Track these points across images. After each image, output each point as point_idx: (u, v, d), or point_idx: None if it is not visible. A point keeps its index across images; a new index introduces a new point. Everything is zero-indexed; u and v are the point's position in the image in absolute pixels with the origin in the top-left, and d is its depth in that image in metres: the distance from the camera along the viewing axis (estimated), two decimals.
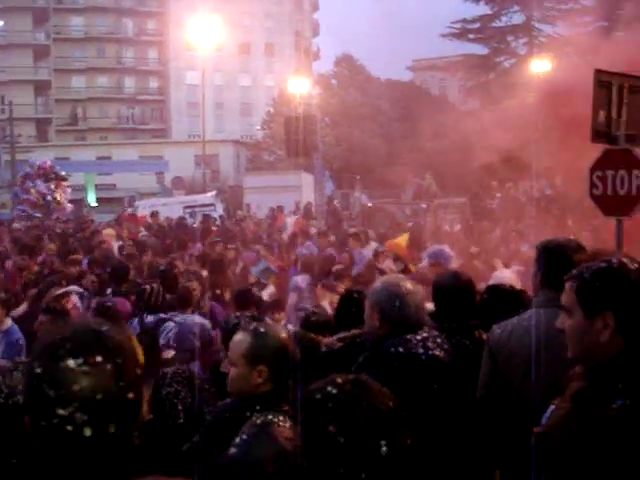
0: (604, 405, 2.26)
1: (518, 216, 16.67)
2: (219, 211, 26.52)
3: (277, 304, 8.68)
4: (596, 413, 2.27)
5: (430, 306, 4.75)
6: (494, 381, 3.85)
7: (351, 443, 2.02)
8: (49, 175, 27.39)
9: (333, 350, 4.48)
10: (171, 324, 7.61)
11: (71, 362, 1.63)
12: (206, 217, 21.04)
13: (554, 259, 3.73)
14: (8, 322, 7.60)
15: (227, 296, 9.11)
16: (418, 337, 3.63)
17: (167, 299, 8.26)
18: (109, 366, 1.65)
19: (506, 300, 4.68)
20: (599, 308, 2.40)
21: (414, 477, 2.14)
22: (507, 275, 8.18)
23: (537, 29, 43.67)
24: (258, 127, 57.27)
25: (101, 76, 67.65)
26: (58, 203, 27.06)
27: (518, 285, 5.64)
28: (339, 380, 2.15)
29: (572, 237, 4.04)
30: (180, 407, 4.70)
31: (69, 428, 1.60)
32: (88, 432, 1.61)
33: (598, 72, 7.18)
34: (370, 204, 27.73)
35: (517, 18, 43.94)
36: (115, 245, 14.55)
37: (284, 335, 3.42)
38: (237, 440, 2.96)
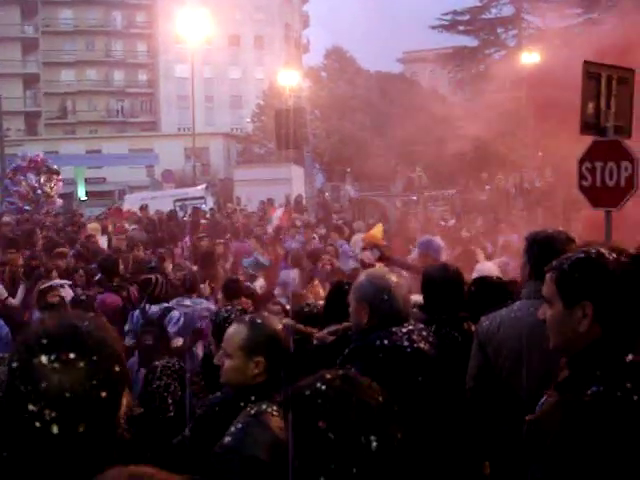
0: (582, 392, 2.29)
1: (506, 208, 16.73)
2: (209, 204, 26.48)
3: (271, 296, 8.71)
4: (574, 401, 2.30)
5: (419, 298, 4.77)
6: (483, 373, 3.86)
7: (341, 439, 2.01)
8: (40, 168, 27.24)
9: (325, 344, 4.48)
10: (176, 313, 7.63)
11: (43, 358, 1.62)
12: (196, 210, 20.99)
13: (543, 251, 3.74)
14: None
15: (206, 292, 9.12)
16: (403, 330, 3.63)
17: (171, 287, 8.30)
18: (82, 363, 1.63)
19: (494, 292, 4.69)
20: (578, 298, 2.43)
21: (404, 472, 2.14)
22: (489, 267, 8.23)
23: (526, 21, 43.68)
24: (248, 120, 57.16)
25: (90, 69, 67.33)
26: (48, 197, 26.91)
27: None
28: (328, 376, 2.15)
29: (561, 229, 4.04)
30: (170, 400, 4.71)
31: (38, 424, 1.59)
32: (55, 429, 1.59)
33: (587, 63, 7.19)
34: (356, 196, 27.73)
35: (507, 10, 43.95)
36: (101, 239, 14.53)
37: (279, 326, 3.44)
38: (232, 429, 2.97)
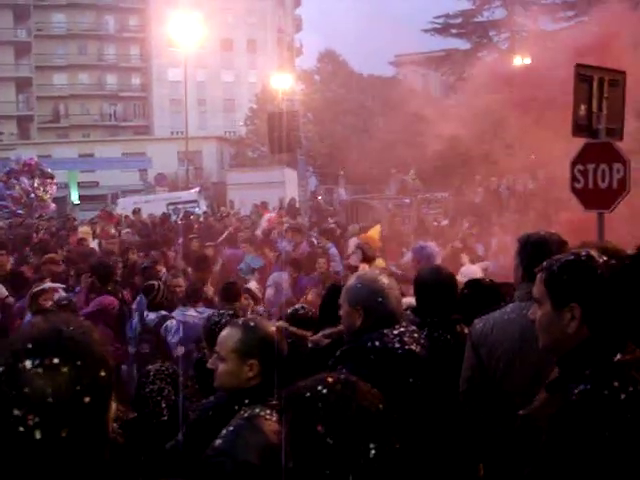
0: (570, 391, 2.30)
1: (499, 210, 16.75)
2: (202, 208, 26.47)
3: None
4: (562, 399, 2.32)
5: (411, 300, 4.77)
6: (477, 375, 3.86)
7: (339, 444, 2.00)
8: (34, 172, 27.16)
9: (320, 347, 4.47)
10: (174, 322, 7.61)
11: (27, 363, 1.61)
12: (187, 214, 20.99)
13: (535, 252, 3.75)
14: None
15: (210, 293, 9.11)
16: (395, 331, 3.64)
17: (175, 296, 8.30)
18: (66, 369, 1.62)
19: (487, 294, 4.70)
20: (566, 300, 2.46)
21: (400, 478, 2.13)
22: (473, 270, 8.27)
23: (519, 24, 43.75)
24: (241, 123, 57.14)
25: (83, 73, 67.23)
26: (42, 200, 26.84)
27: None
28: (329, 379, 2.14)
29: (553, 231, 4.05)
30: (164, 404, 4.69)
31: (21, 429, 1.58)
32: (38, 435, 1.59)
33: (578, 66, 7.22)
34: (348, 199, 27.74)
35: (499, 13, 44.00)
36: (92, 243, 14.51)
37: (272, 329, 3.42)
38: (224, 432, 2.97)
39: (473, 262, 10.48)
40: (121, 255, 11.53)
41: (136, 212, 21.66)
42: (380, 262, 10.20)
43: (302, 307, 5.68)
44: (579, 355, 2.42)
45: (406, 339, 3.64)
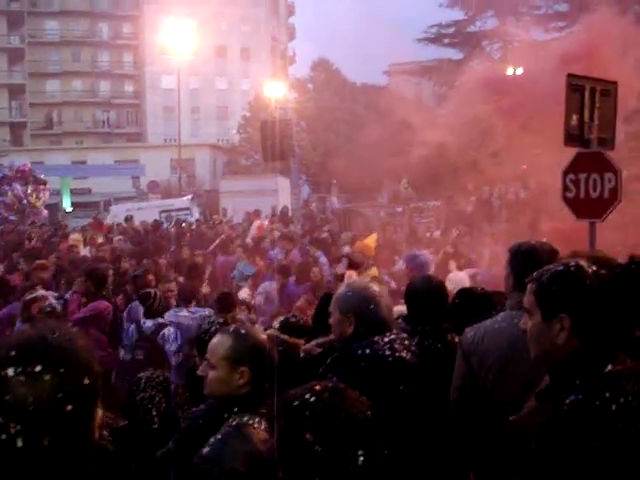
0: (561, 401, 2.31)
1: (490, 219, 16.77)
2: (195, 215, 26.45)
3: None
4: (553, 409, 2.32)
5: (403, 309, 4.77)
6: (468, 384, 3.86)
7: (328, 452, 2.00)
8: (28, 178, 27.09)
9: (312, 356, 4.47)
10: (171, 329, 7.61)
11: (10, 370, 1.61)
12: (178, 222, 21.00)
13: (526, 262, 3.76)
14: None
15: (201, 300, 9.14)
16: (385, 339, 3.64)
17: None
18: (48, 376, 1.62)
19: (478, 303, 4.70)
20: (556, 311, 2.46)
21: None
22: (461, 277, 8.29)
23: (511, 34, 43.93)
24: (234, 131, 57.16)
25: (76, 80, 67.17)
26: (34, 207, 26.77)
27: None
28: (317, 388, 2.14)
29: (544, 240, 4.07)
30: (155, 412, 4.68)
31: (3, 437, 1.58)
32: (20, 443, 1.58)
33: (570, 76, 7.25)
34: (340, 207, 27.78)
35: (491, 23, 44.18)
36: (83, 250, 14.51)
37: (263, 336, 3.42)
38: (211, 440, 2.96)
39: (460, 268, 10.50)
40: (112, 262, 11.51)
41: (128, 219, 21.64)
42: (374, 271, 10.22)
43: (293, 316, 5.67)
44: (570, 365, 2.42)
45: (396, 346, 3.64)
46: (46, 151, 55.63)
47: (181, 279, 10.48)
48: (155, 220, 21.41)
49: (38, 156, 48.59)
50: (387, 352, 3.59)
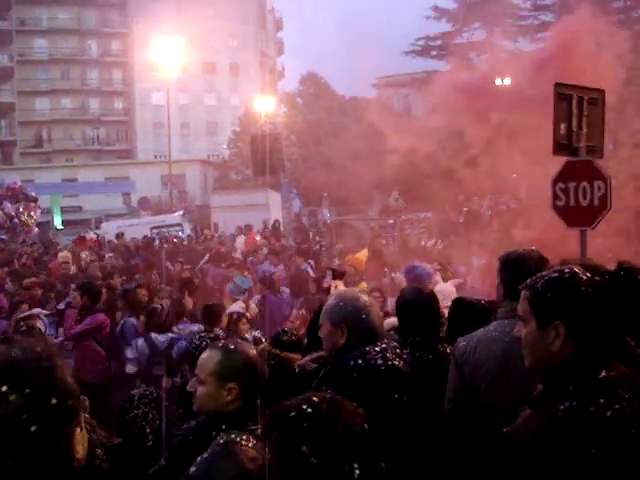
0: (555, 407, 2.30)
1: (481, 229, 16.82)
2: (187, 231, 26.42)
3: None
4: (546, 416, 2.31)
5: (395, 321, 4.76)
6: (461, 394, 3.86)
7: (324, 464, 1.98)
8: (18, 196, 26.98)
9: (307, 371, 4.45)
10: (184, 343, 7.63)
11: None
12: (166, 238, 21.04)
13: (515, 270, 3.77)
14: None
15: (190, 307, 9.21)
16: (377, 348, 3.63)
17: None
18: (13, 397, 1.60)
19: (471, 313, 4.70)
20: (551, 318, 2.44)
21: None
22: (447, 288, 8.29)
23: (498, 45, 44.19)
24: (224, 146, 57.21)
25: (65, 98, 67.14)
26: (25, 225, 26.66)
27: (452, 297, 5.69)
28: (315, 399, 2.12)
29: (534, 248, 4.06)
30: (148, 429, 4.66)
31: None
32: None
33: (558, 85, 7.29)
34: (330, 220, 27.82)
35: (479, 34, 44.44)
36: (72, 268, 14.49)
37: (253, 352, 3.37)
38: (198, 459, 2.92)
39: (445, 280, 10.49)
40: (103, 279, 11.49)
41: (119, 236, 21.59)
42: (363, 285, 10.26)
43: (285, 331, 5.64)
44: (564, 371, 2.41)
45: (389, 355, 3.64)
46: (36, 169, 55.49)
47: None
48: (145, 236, 21.38)
49: (28, 174, 48.42)
50: (379, 361, 3.58)
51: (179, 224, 27.53)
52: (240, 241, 21.37)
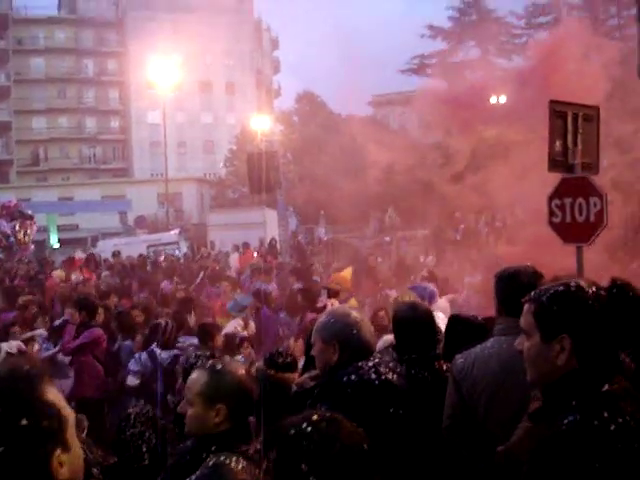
0: (557, 422, 2.28)
1: (478, 247, 16.84)
2: (183, 249, 26.43)
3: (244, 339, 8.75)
4: (549, 430, 2.29)
5: (391, 338, 4.75)
6: (459, 411, 3.84)
7: None
8: (14, 214, 26.96)
9: (306, 389, 4.43)
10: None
11: None
12: (157, 258, 21.10)
13: (509, 286, 3.77)
14: None
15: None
16: (370, 363, 3.64)
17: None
18: None
19: (469, 329, 4.68)
20: (556, 332, 2.42)
21: None
22: (441, 303, 8.28)
23: (493, 63, 44.49)
24: (221, 164, 57.33)
25: (62, 116, 67.31)
26: (23, 244, 26.62)
27: (448, 313, 5.69)
28: (314, 418, 2.11)
29: (529, 264, 4.05)
30: (145, 449, 4.62)
31: None
32: None
33: (553, 102, 7.32)
34: (326, 238, 27.85)
35: (474, 52, 44.73)
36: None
37: (242, 372, 3.33)
38: None
39: (439, 295, 10.46)
40: (100, 298, 11.49)
41: (116, 255, 21.55)
42: (353, 302, 10.29)
43: (279, 353, 5.57)
44: (566, 385, 2.38)
45: (382, 370, 3.63)
46: (32, 188, 55.53)
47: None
48: (140, 255, 21.38)
49: (25, 193, 48.46)
50: (373, 376, 3.58)
51: (175, 242, 27.55)
52: (234, 258, 21.38)
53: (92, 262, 20.39)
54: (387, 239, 23.74)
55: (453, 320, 4.94)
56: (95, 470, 3.60)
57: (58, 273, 16.13)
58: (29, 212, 27.67)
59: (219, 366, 3.30)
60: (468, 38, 44.55)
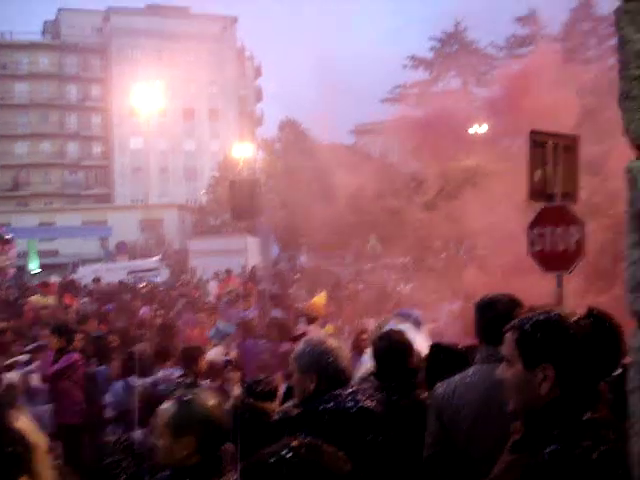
0: (539, 452, 2.27)
1: (459, 274, 16.86)
2: (163, 275, 26.34)
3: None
4: (531, 460, 2.28)
5: (371, 365, 4.76)
6: (440, 440, 3.82)
7: None
8: None
9: (290, 417, 4.40)
10: (163, 386, 7.54)
11: None
12: (135, 285, 21.04)
13: (486, 314, 3.78)
14: None
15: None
16: (347, 391, 3.64)
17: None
18: None
19: (450, 357, 4.68)
20: (539, 360, 2.42)
21: None
22: (423, 331, 8.27)
23: (471, 93, 44.98)
24: (203, 191, 57.28)
25: (45, 142, 67.14)
26: (1, 268, 26.41)
27: (427, 343, 5.69)
28: (294, 444, 2.08)
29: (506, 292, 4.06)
30: (123, 477, 4.58)
31: None
32: None
33: (533, 133, 7.40)
34: (309, 265, 27.85)
35: (454, 82, 45.23)
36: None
37: (212, 403, 3.28)
38: None
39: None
40: (78, 323, 11.44)
41: (96, 281, 21.46)
42: (329, 328, 10.32)
43: (258, 381, 5.48)
44: (548, 414, 2.38)
45: (359, 397, 3.63)
46: (13, 213, 55.19)
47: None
48: (120, 281, 21.31)
49: (5, 218, 48.14)
50: (349, 404, 3.57)
51: (156, 268, 27.46)
52: (213, 286, 21.36)
53: (73, 288, 20.28)
54: (368, 266, 23.74)
55: (435, 348, 4.93)
56: None
57: (36, 298, 16.02)
58: (8, 236, 27.49)
59: (188, 397, 3.25)
60: (449, 68, 45.07)
